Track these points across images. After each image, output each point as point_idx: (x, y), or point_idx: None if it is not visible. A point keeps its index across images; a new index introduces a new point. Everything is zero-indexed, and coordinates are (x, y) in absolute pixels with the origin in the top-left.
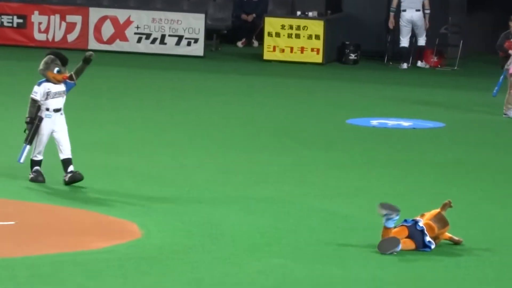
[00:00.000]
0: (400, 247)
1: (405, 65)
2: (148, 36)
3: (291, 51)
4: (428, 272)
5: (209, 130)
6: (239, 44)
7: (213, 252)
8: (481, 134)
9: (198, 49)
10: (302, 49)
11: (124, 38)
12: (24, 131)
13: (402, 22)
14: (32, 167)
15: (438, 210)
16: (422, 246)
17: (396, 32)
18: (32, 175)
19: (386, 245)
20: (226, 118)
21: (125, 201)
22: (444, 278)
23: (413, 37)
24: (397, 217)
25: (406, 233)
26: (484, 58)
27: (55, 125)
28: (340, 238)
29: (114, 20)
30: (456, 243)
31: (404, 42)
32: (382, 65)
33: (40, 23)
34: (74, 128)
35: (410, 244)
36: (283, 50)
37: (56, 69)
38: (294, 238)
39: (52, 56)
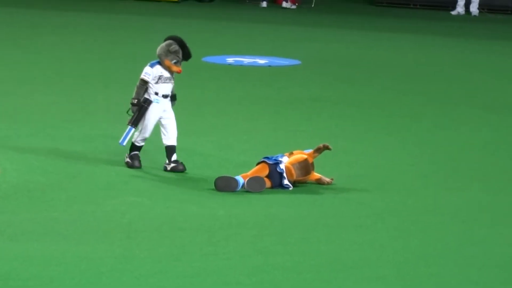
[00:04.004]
0: (265, 187)
1: (264, 4)
2: None
3: None
4: (284, 209)
5: (66, 67)
6: None
7: (69, 190)
8: (336, 70)
9: None
10: None
11: None
12: (127, 112)
13: None
14: (131, 150)
15: (305, 156)
16: (279, 186)
17: None
18: (128, 159)
19: (254, 185)
20: (82, 56)
21: None
22: (299, 215)
23: None
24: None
25: (266, 171)
26: None
27: (163, 112)
28: (196, 176)
29: None
30: (323, 183)
31: None
32: (239, 2)
33: None
34: None
35: (267, 183)
36: None
37: (174, 60)
38: (150, 176)
39: (176, 47)
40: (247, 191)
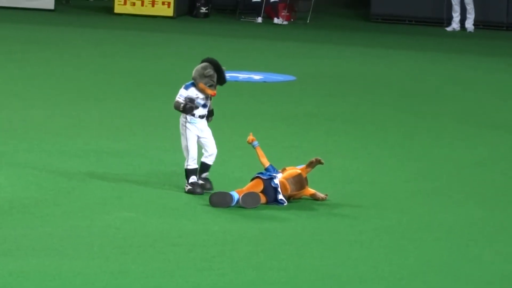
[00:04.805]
0: (260, 202)
1: (260, 19)
2: None
3: (142, 5)
4: (279, 225)
5: (60, 82)
6: None
7: (64, 205)
8: (331, 86)
9: (48, 3)
10: (153, 3)
11: None
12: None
13: None
14: (187, 177)
15: (299, 171)
16: (273, 202)
17: None
18: (189, 187)
19: (249, 201)
20: (77, 70)
21: None
22: (294, 231)
23: None
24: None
25: (261, 187)
26: (335, 11)
27: (200, 131)
28: None
29: None
30: (318, 199)
31: None
32: (233, 19)
33: None
34: None
35: (262, 198)
36: (134, 4)
37: (209, 84)
38: (145, 192)
39: (211, 71)
40: (242, 207)
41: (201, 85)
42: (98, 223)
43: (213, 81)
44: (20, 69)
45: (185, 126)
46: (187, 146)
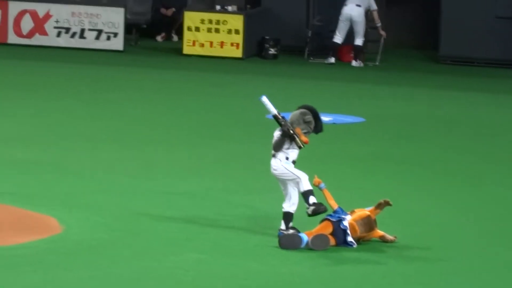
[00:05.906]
0: (329, 244)
1: (332, 59)
2: (67, 30)
3: (211, 46)
4: (348, 267)
5: (129, 123)
6: (159, 38)
7: (132, 247)
8: (400, 128)
9: (117, 43)
10: (221, 44)
11: (44, 32)
12: (289, 132)
13: (341, 17)
14: (286, 222)
15: (368, 212)
16: (343, 244)
17: (316, 27)
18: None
19: (319, 243)
20: (146, 112)
21: (45, 195)
22: (364, 273)
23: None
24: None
25: (330, 229)
26: (404, 53)
27: None
28: (259, 233)
29: (34, 14)
30: (387, 241)
31: (338, 38)
32: (302, 60)
33: None
34: None
35: (331, 240)
36: (202, 45)
37: (305, 130)
38: (213, 233)
39: (311, 117)
40: (311, 249)
41: (298, 130)
42: (167, 265)
43: (310, 128)
44: (88, 110)
45: (284, 169)
46: (289, 193)
